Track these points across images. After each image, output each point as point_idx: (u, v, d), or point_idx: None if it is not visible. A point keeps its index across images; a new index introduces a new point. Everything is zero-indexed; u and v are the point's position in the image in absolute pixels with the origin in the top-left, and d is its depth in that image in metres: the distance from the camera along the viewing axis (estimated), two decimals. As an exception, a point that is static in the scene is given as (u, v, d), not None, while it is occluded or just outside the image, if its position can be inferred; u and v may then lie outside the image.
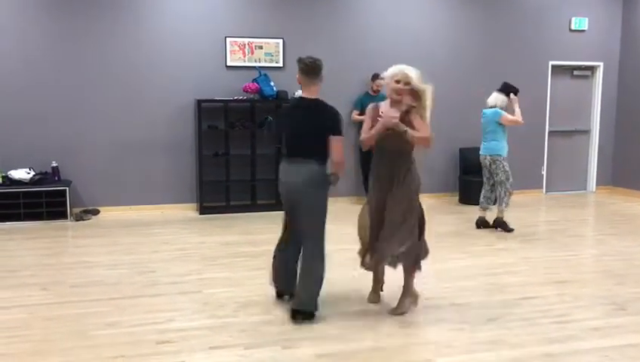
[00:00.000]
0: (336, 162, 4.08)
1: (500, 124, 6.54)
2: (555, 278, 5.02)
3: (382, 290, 4.48)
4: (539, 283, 4.87)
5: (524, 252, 5.88)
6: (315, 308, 4.06)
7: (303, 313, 4.02)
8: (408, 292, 4.23)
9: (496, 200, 6.75)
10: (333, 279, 4.93)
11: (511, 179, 6.62)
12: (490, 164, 6.66)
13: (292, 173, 4.08)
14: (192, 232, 6.71)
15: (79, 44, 7.48)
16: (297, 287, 4.09)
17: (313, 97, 4.11)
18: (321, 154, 4.05)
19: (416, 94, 4.03)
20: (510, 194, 6.65)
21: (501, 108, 6.58)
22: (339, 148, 4.03)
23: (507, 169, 6.60)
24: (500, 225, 6.71)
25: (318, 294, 4.08)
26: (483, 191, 6.85)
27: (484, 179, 6.82)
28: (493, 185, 6.74)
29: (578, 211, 8.13)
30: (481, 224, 6.84)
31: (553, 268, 5.32)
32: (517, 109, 6.56)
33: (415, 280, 4.28)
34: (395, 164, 4.07)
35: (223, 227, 6.97)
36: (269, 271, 4.48)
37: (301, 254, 4.13)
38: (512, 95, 6.60)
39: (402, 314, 4.14)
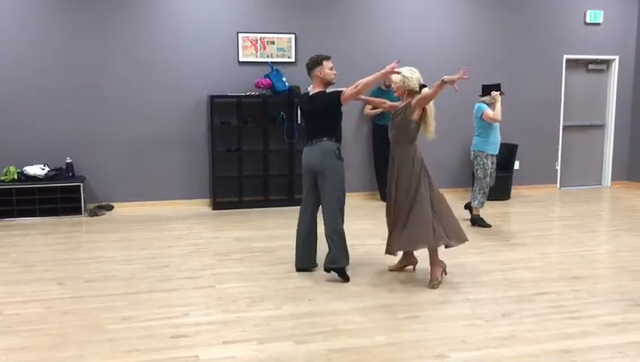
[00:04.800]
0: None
1: (483, 119, 6.49)
2: (570, 274, 4.98)
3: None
4: (554, 279, 4.83)
5: (538, 247, 5.84)
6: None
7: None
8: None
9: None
10: (348, 274, 4.94)
11: (488, 178, 6.56)
12: (472, 159, 6.64)
13: None
14: (206, 227, 6.73)
15: (93, 41, 7.52)
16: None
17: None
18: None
19: (411, 91, 4.76)
20: (485, 194, 6.60)
21: (488, 104, 6.50)
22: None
23: (487, 167, 6.53)
24: (477, 222, 6.68)
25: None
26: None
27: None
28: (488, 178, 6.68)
29: (593, 206, 8.05)
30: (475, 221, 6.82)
31: (568, 264, 5.28)
32: (498, 106, 6.40)
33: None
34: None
35: (236, 222, 7.00)
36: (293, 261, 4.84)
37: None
38: (492, 92, 6.49)
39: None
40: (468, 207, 6.92)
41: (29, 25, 7.33)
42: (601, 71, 9.49)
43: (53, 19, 7.40)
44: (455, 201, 8.32)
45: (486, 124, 6.50)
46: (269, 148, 8.01)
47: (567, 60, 9.21)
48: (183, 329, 3.79)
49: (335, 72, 4.83)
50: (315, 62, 4.79)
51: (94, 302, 4.30)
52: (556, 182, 9.42)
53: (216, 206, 7.78)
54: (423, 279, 4.81)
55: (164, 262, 5.31)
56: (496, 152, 6.62)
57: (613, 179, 9.66)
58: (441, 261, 4.73)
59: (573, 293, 4.49)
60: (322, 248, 4.91)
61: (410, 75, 4.71)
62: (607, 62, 9.47)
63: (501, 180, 8.44)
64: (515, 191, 8.84)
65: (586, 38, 9.21)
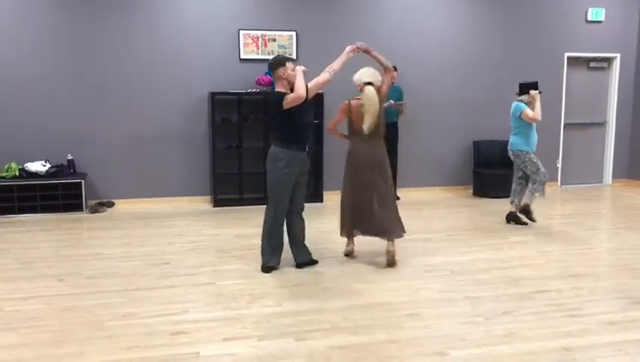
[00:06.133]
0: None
1: (522, 119, 6.45)
2: (570, 272, 4.98)
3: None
4: (554, 277, 4.83)
5: (539, 245, 5.84)
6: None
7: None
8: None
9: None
10: (345, 271, 4.94)
11: (542, 169, 6.45)
12: (514, 159, 6.61)
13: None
14: (206, 225, 6.74)
15: (94, 38, 7.52)
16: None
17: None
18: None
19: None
20: (543, 183, 6.46)
21: (526, 103, 6.47)
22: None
23: (535, 160, 6.45)
24: (524, 210, 6.55)
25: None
26: (513, 185, 6.76)
27: (514, 173, 6.74)
28: (520, 177, 6.61)
29: (594, 204, 8.05)
30: (511, 219, 6.74)
31: (568, 262, 5.28)
32: (537, 106, 6.37)
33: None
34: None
35: (237, 219, 7.00)
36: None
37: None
38: (531, 91, 6.46)
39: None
40: (523, 210, 6.62)
41: (29, 22, 7.33)
42: (602, 69, 9.47)
43: (54, 17, 7.39)
44: (455, 199, 8.33)
45: (525, 124, 6.44)
46: (269, 146, 7.98)
47: (569, 58, 9.20)
48: (183, 326, 3.79)
49: None
50: (278, 63, 4.78)
51: (94, 298, 4.31)
52: (557, 180, 9.41)
53: (217, 203, 7.78)
54: (424, 277, 4.82)
55: (164, 259, 5.31)
56: (534, 150, 6.54)
57: (614, 177, 9.65)
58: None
59: (573, 291, 4.49)
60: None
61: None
62: (609, 60, 9.45)
63: (502, 178, 8.45)
64: (515, 189, 8.84)
65: (587, 35, 9.19)
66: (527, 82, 6.60)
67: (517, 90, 6.68)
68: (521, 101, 6.49)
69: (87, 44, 7.51)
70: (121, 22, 7.58)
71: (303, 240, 5.09)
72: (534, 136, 6.53)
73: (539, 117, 6.37)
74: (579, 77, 9.37)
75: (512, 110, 6.56)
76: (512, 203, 6.73)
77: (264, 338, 3.62)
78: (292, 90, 4.73)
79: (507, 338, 3.63)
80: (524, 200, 6.56)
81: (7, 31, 7.28)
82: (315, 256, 5.17)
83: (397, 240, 5.17)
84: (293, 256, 5.07)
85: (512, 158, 6.63)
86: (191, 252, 5.57)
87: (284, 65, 4.78)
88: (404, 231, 5.17)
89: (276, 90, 4.87)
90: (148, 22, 7.66)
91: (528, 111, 6.38)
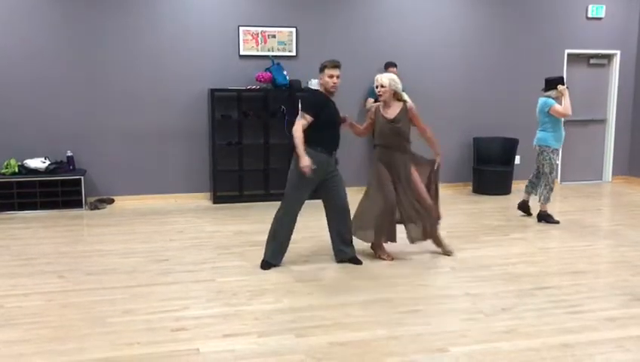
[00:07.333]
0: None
1: (551, 114, 6.45)
2: (570, 268, 4.99)
3: None
4: (554, 273, 4.84)
5: (539, 242, 5.84)
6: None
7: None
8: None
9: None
10: (346, 267, 4.95)
11: (554, 174, 6.53)
12: (538, 154, 6.62)
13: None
14: (206, 221, 6.74)
15: (93, 34, 7.50)
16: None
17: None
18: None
19: (396, 94, 5.10)
20: (551, 189, 6.56)
21: (554, 98, 6.46)
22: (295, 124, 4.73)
23: (554, 162, 6.50)
24: (544, 218, 6.64)
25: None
26: (530, 177, 6.81)
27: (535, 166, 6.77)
28: (539, 172, 6.65)
29: (594, 201, 8.05)
30: (521, 207, 6.83)
31: (569, 259, 5.28)
32: (566, 100, 6.38)
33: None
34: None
35: (237, 216, 7.00)
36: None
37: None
38: (559, 86, 6.45)
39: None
40: (522, 206, 6.83)
41: (28, 17, 7.31)
42: (602, 65, 9.46)
43: (52, 12, 7.37)
44: (455, 197, 8.33)
45: (553, 119, 6.45)
46: (269, 142, 7.99)
47: (569, 55, 9.19)
48: (184, 323, 3.80)
49: (335, 82, 4.76)
50: (319, 69, 4.85)
51: (95, 294, 4.31)
52: (557, 177, 9.41)
53: (217, 199, 7.77)
54: (425, 274, 4.82)
55: (164, 256, 5.31)
56: (560, 147, 6.57)
57: (614, 173, 9.66)
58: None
59: (573, 288, 4.49)
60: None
61: (396, 78, 5.10)
62: (609, 57, 9.44)
63: (502, 175, 8.46)
64: (515, 186, 8.83)
65: (587, 32, 9.18)
66: (553, 77, 6.60)
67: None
68: (549, 96, 6.49)
69: (86, 40, 7.49)
70: (121, 18, 7.56)
71: (344, 238, 5.02)
72: (562, 132, 6.56)
73: (569, 111, 6.40)
74: (579, 74, 9.36)
75: (539, 106, 6.57)
76: (527, 193, 6.78)
77: (264, 334, 3.62)
78: (327, 91, 4.82)
79: (507, 335, 3.63)
80: (540, 208, 6.65)
81: (5, 26, 7.26)
82: (323, 253, 5.11)
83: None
84: (334, 251, 5.08)
85: (537, 153, 6.66)
86: (191, 248, 5.57)
87: (322, 71, 4.80)
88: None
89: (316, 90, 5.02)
90: (147, 18, 7.64)
91: (558, 107, 6.39)
